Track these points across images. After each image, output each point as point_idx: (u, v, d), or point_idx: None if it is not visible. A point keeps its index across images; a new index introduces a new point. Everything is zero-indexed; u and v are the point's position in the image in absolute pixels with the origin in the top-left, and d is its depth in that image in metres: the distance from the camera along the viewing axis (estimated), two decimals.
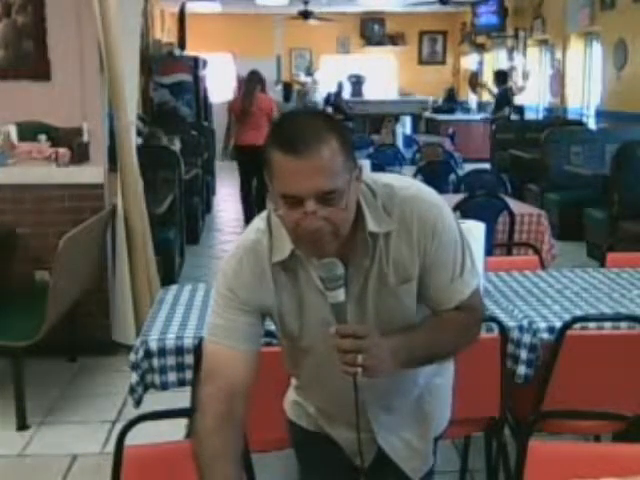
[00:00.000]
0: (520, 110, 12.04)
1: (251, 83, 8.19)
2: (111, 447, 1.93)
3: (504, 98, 11.97)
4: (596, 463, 1.80)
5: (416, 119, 13.00)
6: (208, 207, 9.60)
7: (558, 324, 2.64)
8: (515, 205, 4.97)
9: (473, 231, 2.87)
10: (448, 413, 1.99)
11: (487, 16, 13.62)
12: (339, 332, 1.53)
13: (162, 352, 2.56)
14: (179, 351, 2.57)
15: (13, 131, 4.60)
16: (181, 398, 2.66)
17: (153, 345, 2.57)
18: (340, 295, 1.57)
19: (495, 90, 12.25)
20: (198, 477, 1.59)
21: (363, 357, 1.52)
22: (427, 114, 14.54)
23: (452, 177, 6.58)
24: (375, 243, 1.64)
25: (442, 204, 1.70)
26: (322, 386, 1.83)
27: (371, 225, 1.62)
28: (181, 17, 13.28)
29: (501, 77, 12.14)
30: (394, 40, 17.32)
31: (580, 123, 10.14)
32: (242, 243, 1.70)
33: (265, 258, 1.66)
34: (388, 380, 1.70)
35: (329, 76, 16.46)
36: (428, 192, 1.71)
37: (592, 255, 6.84)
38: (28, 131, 4.63)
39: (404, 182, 1.72)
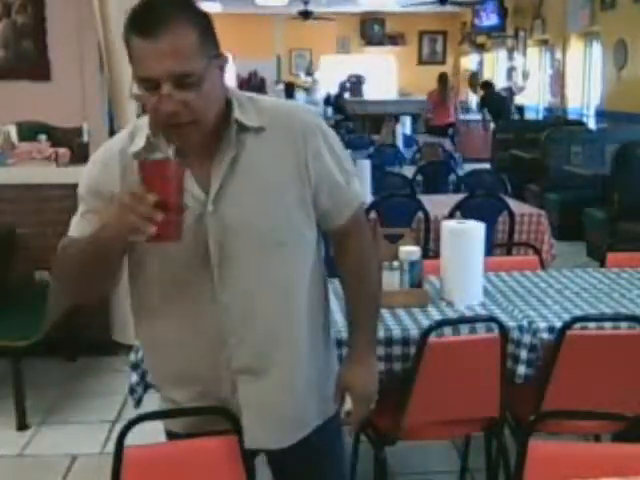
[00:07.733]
0: (520, 110, 12.02)
1: None
2: (111, 447, 1.93)
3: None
4: (596, 463, 1.80)
5: (416, 119, 12.99)
6: None
7: (558, 324, 2.63)
8: (515, 205, 4.96)
9: (473, 231, 2.87)
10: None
11: (487, 16, 13.63)
12: None
13: None
14: None
15: (13, 131, 4.60)
16: None
17: None
18: None
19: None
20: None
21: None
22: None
23: (452, 177, 6.57)
24: (243, 135, 1.62)
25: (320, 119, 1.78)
26: (177, 314, 1.75)
27: (238, 114, 1.61)
28: None
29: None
30: (394, 40, 17.33)
31: (580, 123, 10.13)
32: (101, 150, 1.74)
33: (117, 151, 1.66)
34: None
35: (329, 76, 16.46)
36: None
37: (592, 255, 6.84)
38: (28, 131, 4.63)
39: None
